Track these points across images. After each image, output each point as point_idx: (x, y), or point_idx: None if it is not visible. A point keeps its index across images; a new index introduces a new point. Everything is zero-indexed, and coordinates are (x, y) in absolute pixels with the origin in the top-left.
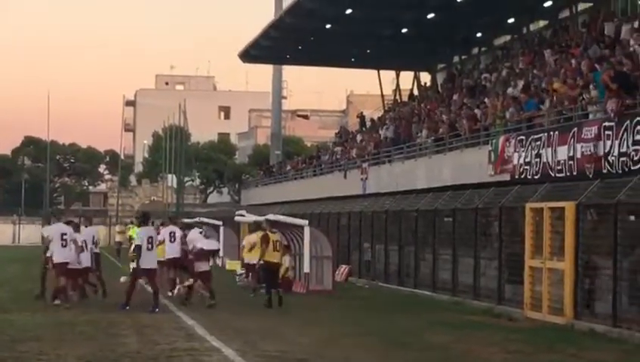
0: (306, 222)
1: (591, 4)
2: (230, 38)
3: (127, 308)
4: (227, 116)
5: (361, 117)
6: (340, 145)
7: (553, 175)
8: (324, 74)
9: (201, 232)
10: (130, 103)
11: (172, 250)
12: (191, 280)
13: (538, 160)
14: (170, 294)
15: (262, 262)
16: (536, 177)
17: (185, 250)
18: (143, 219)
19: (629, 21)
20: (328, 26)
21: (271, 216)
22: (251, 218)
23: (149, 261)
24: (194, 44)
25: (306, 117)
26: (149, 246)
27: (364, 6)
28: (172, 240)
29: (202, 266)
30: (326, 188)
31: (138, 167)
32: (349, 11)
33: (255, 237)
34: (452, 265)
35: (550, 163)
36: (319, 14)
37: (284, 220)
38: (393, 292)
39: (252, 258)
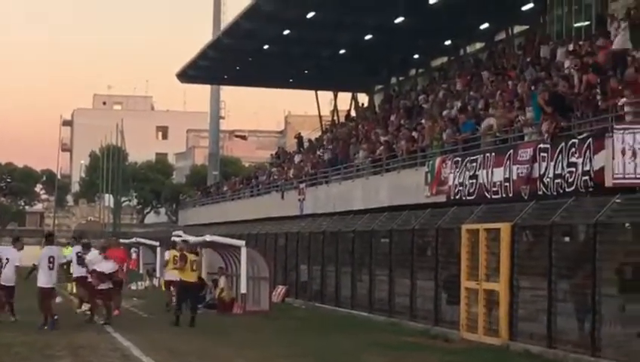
0: (243, 242)
1: (526, 27)
2: (168, 58)
3: (53, 325)
4: (165, 136)
5: (299, 138)
6: (277, 166)
7: (489, 196)
8: (262, 94)
9: (100, 252)
10: (67, 123)
11: (79, 270)
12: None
13: (474, 181)
14: (78, 311)
15: (179, 280)
16: (472, 198)
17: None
18: (48, 238)
19: (564, 44)
20: (266, 47)
21: (208, 237)
22: (188, 238)
23: (46, 280)
24: (132, 64)
25: (243, 137)
26: (50, 265)
27: (302, 27)
28: (79, 260)
29: (102, 285)
30: (263, 209)
31: (75, 187)
32: (286, 32)
33: (169, 254)
34: (389, 286)
35: (486, 184)
36: (257, 35)
37: (221, 241)
38: (330, 313)
39: (170, 275)
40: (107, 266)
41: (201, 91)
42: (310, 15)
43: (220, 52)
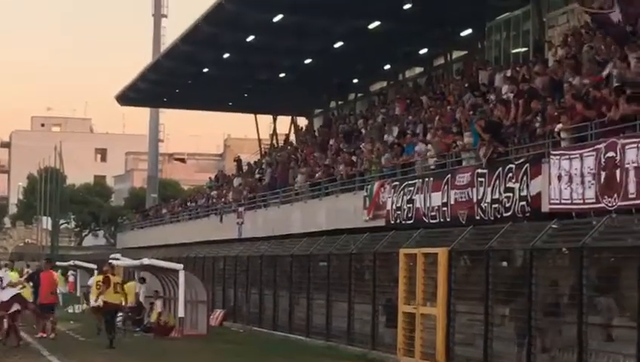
0: (181, 266)
1: (465, 52)
2: (108, 80)
3: None
4: (104, 158)
5: (238, 161)
6: (216, 189)
7: (427, 221)
8: (201, 117)
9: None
10: (5, 145)
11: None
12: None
13: (412, 205)
14: None
15: (101, 302)
16: (410, 223)
17: None
18: None
19: (502, 69)
20: (206, 70)
21: (145, 261)
22: (126, 262)
23: None
24: (71, 86)
25: (183, 160)
26: None
27: (242, 50)
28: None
29: (12, 307)
30: (202, 232)
31: (12, 209)
32: (226, 55)
33: (92, 280)
34: (326, 309)
35: (424, 209)
36: (197, 58)
37: (159, 264)
38: (267, 337)
39: (95, 300)
40: (4, 295)
41: (141, 114)
42: (250, 39)
43: (159, 75)
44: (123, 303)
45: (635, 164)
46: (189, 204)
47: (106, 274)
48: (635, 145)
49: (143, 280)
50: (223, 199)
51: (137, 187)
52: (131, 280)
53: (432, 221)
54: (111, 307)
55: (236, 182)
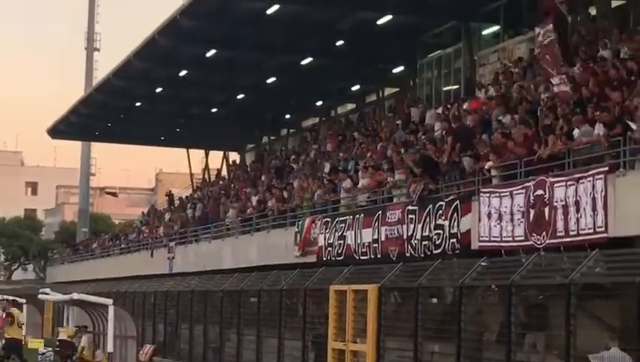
0: (111, 301)
1: (397, 90)
2: (39, 113)
3: None
4: (34, 192)
5: (170, 195)
6: (147, 224)
7: (358, 257)
8: (133, 151)
9: None
10: None
11: None
12: None
13: (343, 242)
14: None
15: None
16: (341, 259)
17: None
18: None
19: (434, 107)
20: (138, 104)
21: (75, 295)
22: (56, 296)
23: None
24: (1, 119)
25: (114, 194)
26: None
27: (175, 85)
28: None
29: None
30: (133, 267)
31: None
32: (159, 90)
33: None
34: (256, 345)
35: (355, 245)
36: (129, 92)
37: (88, 299)
38: None
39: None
40: None
41: (72, 147)
42: (182, 73)
43: (91, 108)
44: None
45: (564, 203)
46: (119, 238)
47: (6, 310)
48: (564, 183)
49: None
50: (153, 234)
51: (68, 221)
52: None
53: (362, 257)
54: (14, 342)
55: (167, 216)
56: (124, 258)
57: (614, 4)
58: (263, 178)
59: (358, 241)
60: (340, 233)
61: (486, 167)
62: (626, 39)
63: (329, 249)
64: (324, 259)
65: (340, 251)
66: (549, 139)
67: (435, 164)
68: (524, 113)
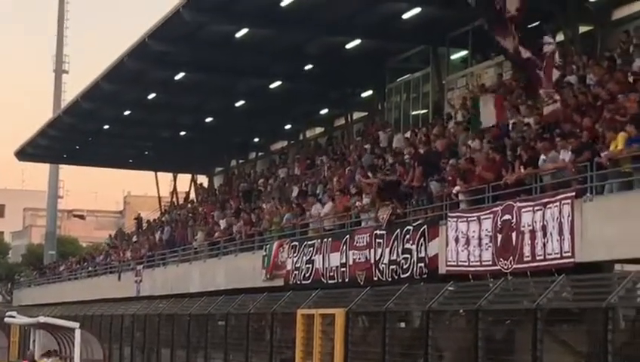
0: (77, 324)
1: (365, 113)
2: (6, 135)
3: None
4: (1, 214)
5: (139, 219)
6: (115, 247)
7: (325, 281)
8: (101, 174)
9: None
10: None
11: None
12: None
13: (310, 266)
14: None
15: None
16: (308, 283)
17: None
18: None
19: (402, 131)
20: (106, 127)
21: (41, 319)
22: (22, 319)
23: None
24: None
25: (82, 217)
26: None
27: (143, 108)
28: None
29: None
30: (100, 290)
31: None
32: (127, 112)
33: None
34: None
35: (322, 269)
36: (98, 115)
37: (54, 322)
38: None
39: None
40: None
41: (40, 170)
42: (151, 96)
43: (59, 131)
44: None
45: (531, 227)
46: (87, 261)
47: None
48: (531, 208)
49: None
50: (121, 257)
51: (35, 243)
52: None
53: (330, 281)
54: None
55: (135, 239)
56: (91, 281)
57: (582, 29)
58: (231, 201)
59: (326, 265)
60: (308, 257)
61: (454, 191)
62: (593, 65)
63: (296, 273)
64: (292, 282)
65: (307, 275)
66: (516, 164)
67: (398, 188)
68: (491, 138)
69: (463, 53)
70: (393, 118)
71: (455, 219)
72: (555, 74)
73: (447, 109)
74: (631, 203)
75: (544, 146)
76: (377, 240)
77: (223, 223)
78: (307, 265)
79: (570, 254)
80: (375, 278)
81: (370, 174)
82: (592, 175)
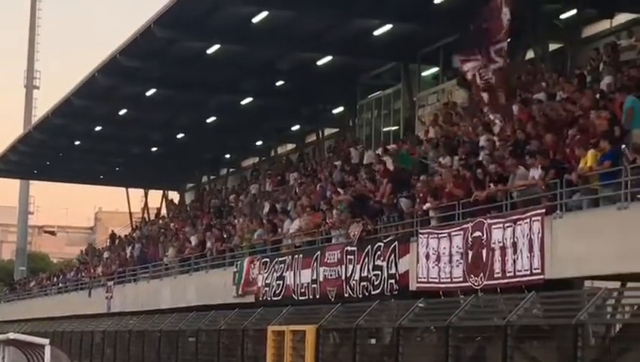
0: (47, 341)
1: (337, 130)
2: None
3: None
4: None
5: (113, 236)
6: (86, 263)
7: (296, 298)
8: (72, 190)
9: None
10: None
11: None
12: None
13: (282, 282)
14: None
15: None
16: (279, 299)
17: None
18: None
19: (373, 147)
20: (78, 143)
21: (11, 335)
22: None
23: None
24: None
25: (52, 233)
26: None
27: (114, 124)
28: None
29: None
30: (71, 306)
31: None
32: (98, 128)
33: None
34: None
35: (293, 286)
36: (69, 131)
37: (24, 339)
38: None
39: None
40: None
41: (11, 185)
42: (122, 112)
43: (30, 146)
44: None
45: (501, 244)
46: (58, 277)
47: None
48: (501, 225)
49: None
50: (92, 273)
51: (6, 259)
52: None
53: (301, 298)
54: None
55: (106, 255)
56: (62, 297)
57: (552, 47)
58: (202, 217)
59: (297, 282)
60: (279, 273)
61: (424, 208)
62: (563, 82)
63: (267, 289)
64: (263, 299)
65: (278, 291)
66: (487, 180)
67: (368, 204)
68: (462, 155)
69: (434, 70)
70: (364, 134)
71: (426, 236)
72: (501, 97)
73: (419, 126)
74: (600, 220)
75: (513, 163)
76: (348, 257)
77: (194, 239)
78: (278, 282)
79: (540, 271)
80: (346, 295)
81: (340, 191)
82: (561, 192)
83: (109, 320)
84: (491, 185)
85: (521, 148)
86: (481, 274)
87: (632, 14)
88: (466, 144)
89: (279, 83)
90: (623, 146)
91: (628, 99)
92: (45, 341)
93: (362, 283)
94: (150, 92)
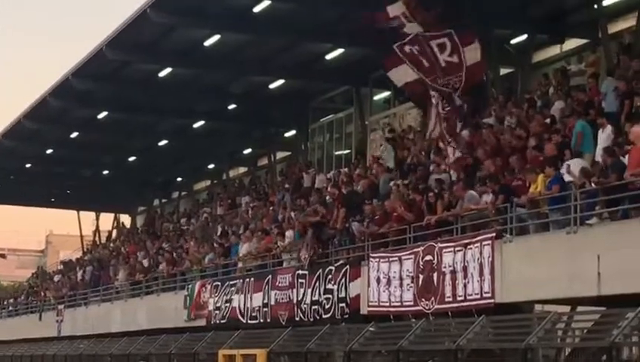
0: None
1: (289, 153)
2: None
3: None
4: None
5: (65, 261)
6: (36, 286)
7: (247, 321)
8: (23, 213)
9: None
10: None
11: None
12: None
13: (233, 306)
14: None
15: None
16: (230, 323)
17: None
18: None
19: (325, 171)
20: (28, 165)
21: None
22: None
23: None
24: None
25: (3, 256)
26: None
27: (66, 146)
28: None
29: None
30: (21, 330)
31: None
32: (49, 151)
33: None
34: None
35: (244, 309)
36: (19, 153)
37: None
38: None
39: None
40: None
41: None
42: (74, 135)
43: None
44: None
45: (452, 268)
46: (8, 300)
47: None
48: (452, 249)
49: None
50: (42, 296)
51: None
52: None
53: (251, 321)
54: None
55: (57, 278)
56: (12, 320)
57: (503, 71)
58: (153, 241)
59: (248, 305)
60: (229, 297)
61: (376, 232)
62: (512, 107)
63: (217, 312)
64: (214, 322)
65: (229, 315)
66: (438, 205)
67: (321, 229)
68: (413, 179)
69: (386, 93)
70: (316, 158)
71: (377, 260)
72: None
73: (370, 150)
74: (550, 244)
75: (461, 187)
76: (299, 281)
77: (145, 262)
78: (227, 305)
79: (490, 295)
80: (297, 318)
81: (292, 215)
82: (511, 216)
83: (59, 344)
84: (443, 209)
85: (472, 173)
86: (432, 298)
87: (582, 40)
88: (418, 168)
89: (231, 106)
90: (563, 169)
91: (578, 124)
92: None
93: (313, 307)
94: (102, 115)
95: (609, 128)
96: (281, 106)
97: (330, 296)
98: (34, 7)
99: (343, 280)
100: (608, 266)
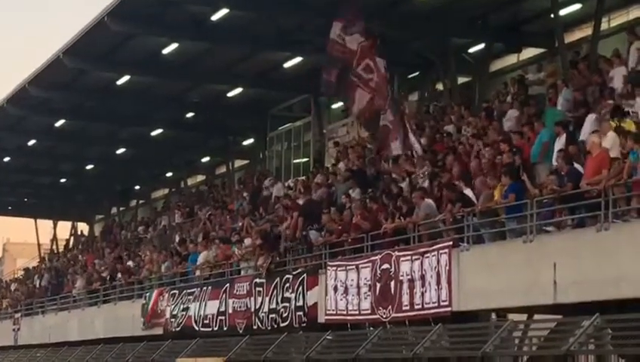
0: None
1: (247, 162)
2: None
3: None
4: None
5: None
6: None
7: (205, 330)
8: None
9: None
10: None
11: None
12: None
13: (189, 314)
14: None
15: None
16: (188, 332)
17: None
18: None
19: (283, 180)
20: None
21: None
22: None
23: None
24: None
25: None
26: None
27: (23, 155)
28: None
29: None
30: None
31: None
32: (6, 159)
33: None
34: None
35: (202, 318)
36: None
37: None
38: None
39: None
40: None
41: None
42: (31, 143)
43: None
44: None
45: (409, 277)
46: None
47: None
48: (409, 257)
49: None
50: None
51: None
52: None
53: (207, 329)
54: None
55: (13, 287)
56: None
57: (460, 80)
58: (111, 249)
59: (204, 313)
60: (186, 305)
61: (333, 240)
62: (469, 116)
63: (173, 321)
64: (171, 331)
65: (187, 323)
66: (395, 213)
67: (277, 238)
68: (371, 187)
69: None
70: (274, 166)
71: (334, 268)
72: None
73: (328, 158)
74: (507, 252)
75: (418, 196)
76: (257, 289)
77: (102, 271)
78: (187, 314)
79: (447, 303)
80: (255, 327)
81: (252, 223)
82: (468, 225)
83: (15, 353)
84: (400, 217)
85: (431, 181)
86: (390, 307)
87: (539, 49)
88: (376, 177)
89: (190, 114)
90: (524, 177)
91: (545, 133)
92: None
93: (271, 316)
94: (60, 122)
95: (564, 136)
96: (239, 114)
97: (287, 304)
98: None
99: (301, 288)
100: (564, 275)
